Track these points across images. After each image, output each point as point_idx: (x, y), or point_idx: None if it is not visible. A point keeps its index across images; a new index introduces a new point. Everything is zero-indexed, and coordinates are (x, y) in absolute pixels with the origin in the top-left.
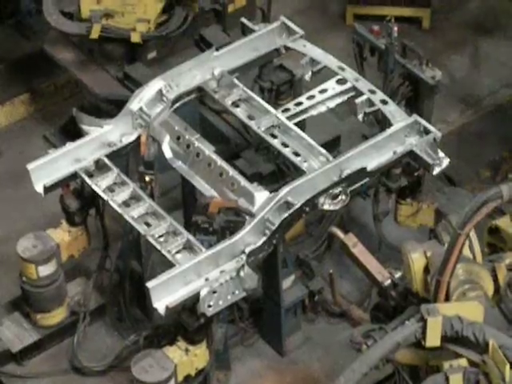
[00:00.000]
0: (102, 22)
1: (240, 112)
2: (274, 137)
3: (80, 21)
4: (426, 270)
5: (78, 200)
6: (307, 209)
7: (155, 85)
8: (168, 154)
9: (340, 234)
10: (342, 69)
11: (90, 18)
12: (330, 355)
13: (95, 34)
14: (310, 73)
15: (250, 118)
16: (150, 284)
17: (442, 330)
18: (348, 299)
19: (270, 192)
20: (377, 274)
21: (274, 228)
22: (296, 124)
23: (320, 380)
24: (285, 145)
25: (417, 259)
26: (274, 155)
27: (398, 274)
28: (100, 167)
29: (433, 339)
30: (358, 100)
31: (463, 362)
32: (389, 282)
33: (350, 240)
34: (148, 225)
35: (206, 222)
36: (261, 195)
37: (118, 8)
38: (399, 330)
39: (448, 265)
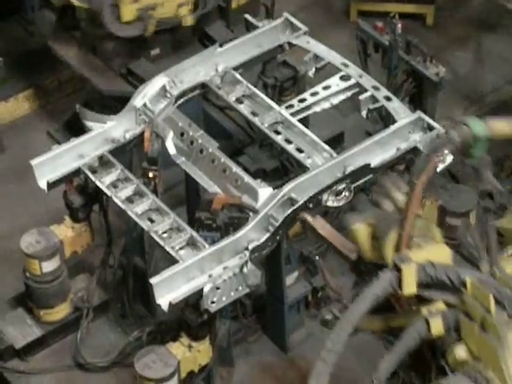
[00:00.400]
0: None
1: (243, 108)
2: (278, 133)
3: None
4: (374, 237)
5: (82, 196)
6: (311, 205)
7: (159, 81)
8: (172, 150)
9: (309, 218)
10: (346, 65)
11: (137, 18)
12: None
13: (151, 29)
14: (313, 69)
15: (254, 114)
16: (153, 280)
17: (416, 278)
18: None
19: (274, 188)
20: (344, 249)
21: (277, 224)
22: (299, 120)
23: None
24: (288, 141)
25: (361, 229)
26: (278, 151)
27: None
28: (104, 163)
29: (409, 287)
30: (362, 96)
31: (440, 306)
32: (355, 255)
33: (318, 222)
34: (151, 221)
35: (210, 219)
36: (264, 191)
37: (158, 0)
38: (375, 283)
39: (408, 216)
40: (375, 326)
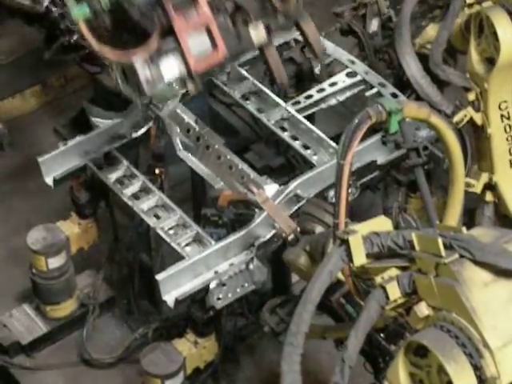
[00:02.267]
0: None
1: (250, 105)
2: (284, 130)
3: None
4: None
5: (88, 192)
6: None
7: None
8: (178, 146)
9: (254, 189)
10: (352, 62)
11: None
12: None
13: None
14: (319, 66)
15: (260, 111)
16: (159, 276)
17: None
18: None
19: (280, 185)
20: (284, 226)
21: None
22: (306, 117)
23: (329, 372)
24: (294, 138)
25: (299, 258)
26: (284, 148)
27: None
28: (110, 160)
29: (358, 257)
30: (368, 93)
31: (393, 271)
32: (292, 236)
33: (261, 196)
34: (158, 217)
35: (216, 215)
36: (270, 188)
37: None
38: (326, 260)
39: (340, 201)
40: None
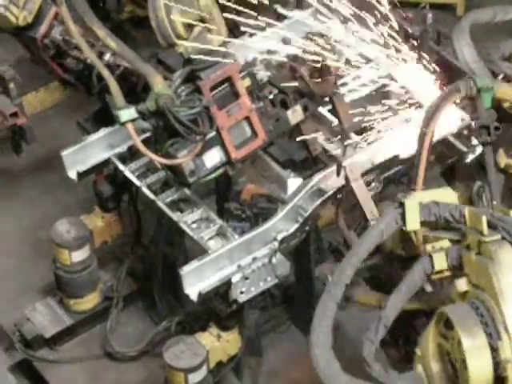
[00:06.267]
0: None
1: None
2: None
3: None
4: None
5: (112, 186)
6: (340, 196)
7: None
8: None
9: (347, 167)
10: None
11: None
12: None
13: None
14: (343, 59)
15: None
16: (182, 270)
17: (420, 215)
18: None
19: (303, 179)
20: (367, 211)
21: (306, 215)
22: (329, 111)
23: (352, 365)
24: (317, 131)
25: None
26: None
27: None
28: (133, 153)
29: (412, 223)
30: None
31: (445, 243)
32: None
33: (353, 174)
34: (181, 211)
35: (239, 209)
36: (293, 182)
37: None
38: (380, 220)
39: (420, 167)
40: (371, 301)
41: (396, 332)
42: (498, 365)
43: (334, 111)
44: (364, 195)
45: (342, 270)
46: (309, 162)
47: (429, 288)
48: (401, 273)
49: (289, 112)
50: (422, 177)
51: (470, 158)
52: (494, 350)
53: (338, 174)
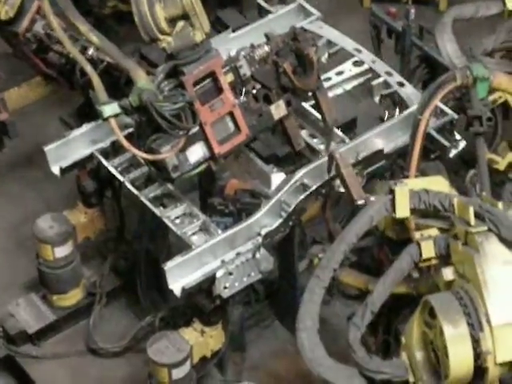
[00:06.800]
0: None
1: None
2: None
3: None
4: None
5: (95, 181)
6: (323, 191)
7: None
8: None
9: (337, 155)
10: (359, 51)
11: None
12: (345, 336)
13: None
14: (326, 55)
15: None
16: (166, 266)
17: (410, 203)
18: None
19: (286, 174)
20: (355, 193)
21: (289, 210)
22: (312, 106)
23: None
24: (301, 127)
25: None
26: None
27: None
28: (116, 149)
29: (402, 210)
30: (375, 82)
31: (433, 231)
32: (362, 201)
33: (343, 161)
34: (164, 206)
35: (222, 204)
36: (277, 177)
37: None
38: (370, 205)
39: (413, 155)
40: (357, 284)
41: (377, 320)
42: (478, 356)
43: (317, 106)
44: (353, 181)
45: (331, 255)
46: (292, 157)
47: (416, 274)
48: (390, 256)
49: (272, 107)
50: (416, 163)
51: (453, 152)
52: (476, 341)
53: (330, 166)
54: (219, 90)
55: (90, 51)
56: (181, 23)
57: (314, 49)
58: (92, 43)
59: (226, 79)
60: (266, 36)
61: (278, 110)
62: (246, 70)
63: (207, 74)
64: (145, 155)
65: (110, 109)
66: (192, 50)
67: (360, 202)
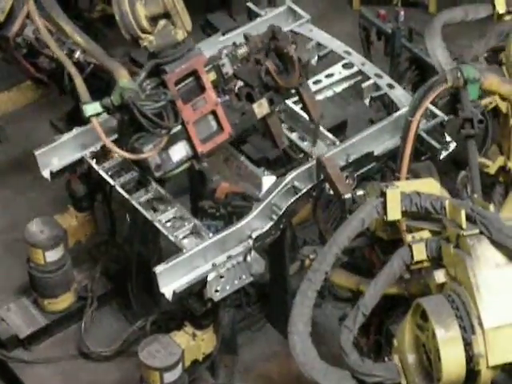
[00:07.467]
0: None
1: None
2: (281, 121)
3: None
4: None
5: (85, 185)
6: (314, 193)
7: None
8: None
9: (323, 159)
10: (349, 53)
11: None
12: (337, 339)
13: None
14: (316, 57)
15: None
16: (157, 269)
17: (401, 205)
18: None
19: (277, 177)
20: (342, 187)
21: (280, 213)
22: (295, 102)
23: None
24: (292, 129)
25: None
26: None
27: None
28: (107, 153)
29: (393, 212)
30: (365, 84)
31: (425, 234)
32: (349, 195)
33: (329, 161)
34: (155, 210)
35: (213, 207)
36: (268, 180)
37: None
38: (361, 208)
39: (404, 156)
40: (348, 285)
41: (369, 321)
42: (471, 359)
43: (301, 102)
44: (338, 177)
45: (323, 258)
46: (283, 160)
47: (407, 276)
48: (382, 257)
49: (254, 105)
50: (407, 165)
51: (443, 154)
52: (468, 344)
53: (318, 170)
54: (202, 89)
55: (77, 54)
56: (162, 22)
57: (293, 46)
58: (76, 43)
59: (208, 78)
60: (245, 36)
61: (261, 108)
62: (228, 69)
63: (189, 72)
64: (127, 154)
65: (92, 108)
66: (174, 49)
67: (347, 197)
